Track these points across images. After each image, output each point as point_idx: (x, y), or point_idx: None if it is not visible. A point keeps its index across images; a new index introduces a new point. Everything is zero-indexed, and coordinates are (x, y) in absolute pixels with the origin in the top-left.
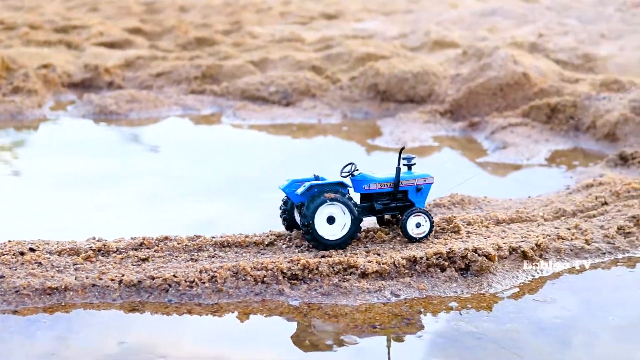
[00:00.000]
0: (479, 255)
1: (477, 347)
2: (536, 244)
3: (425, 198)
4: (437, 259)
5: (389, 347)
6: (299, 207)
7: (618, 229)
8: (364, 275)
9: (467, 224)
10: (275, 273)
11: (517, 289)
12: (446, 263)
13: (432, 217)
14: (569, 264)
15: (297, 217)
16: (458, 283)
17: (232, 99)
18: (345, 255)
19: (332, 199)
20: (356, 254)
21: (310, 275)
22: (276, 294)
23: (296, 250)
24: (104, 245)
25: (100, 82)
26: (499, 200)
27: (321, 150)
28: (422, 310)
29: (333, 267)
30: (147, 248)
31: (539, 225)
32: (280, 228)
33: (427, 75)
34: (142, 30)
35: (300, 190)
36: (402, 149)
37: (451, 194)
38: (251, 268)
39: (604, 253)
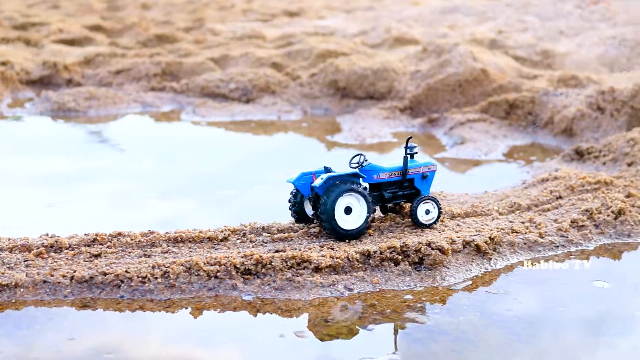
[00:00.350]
0: (432, 249)
1: (429, 339)
2: (490, 238)
3: (430, 185)
4: (390, 253)
5: (341, 340)
6: (311, 199)
7: (571, 222)
8: (317, 269)
9: None
10: (229, 268)
11: (470, 282)
12: (400, 257)
13: (440, 204)
14: (523, 257)
15: (307, 210)
16: (412, 277)
17: (192, 96)
18: (299, 250)
19: (351, 190)
20: (310, 249)
21: (263, 270)
22: (229, 289)
23: (250, 245)
24: (56, 242)
25: (59, 79)
26: (455, 195)
27: (282, 146)
28: (376, 303)
29: (286, 262)
30: (100, 244)
31: (493, 219)
32: (236, 224)
33: (387, 71)
34: (103, 27)
35: (318, 182)
36: (409, 138)
37: None
38: (204, 263)
39: (558, 246)
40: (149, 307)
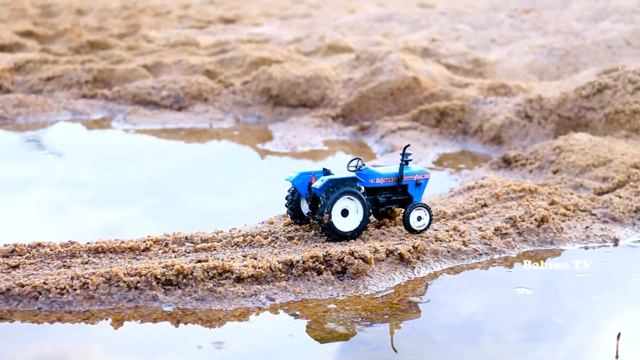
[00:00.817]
0: (355, 258)
1: (350, 348)
2: (413, 247)
3: (422, 192)
4: (313, 262)
5: (262, 350)
6: (309, 199)
7: (495, 230)
8: (239, 279)
9: None
10: (149, 279)
11: (393, 291)
12: (323, 266)
13: (431, 211)
14: (446, 265)
15: (303, 208)
16: (334, 286)
17: (124, 104)
18: (221, 260)
19: (349, 193)
20: (233, 259)
21: (184, 280)
22: (150, 300)
23: (172, 255)
24: None
25: None
26: None
27: (213, 154)
28: (298, 313)
29: (208, 272)
30: (19, 255)
31: None
32: (159, 233)
33: (320, 79)
34: (35, 33)
35: (318, 185)
36: (407, 146)
37: None
38: (124, 274)
39: (481, 254)
40: (68, 319)
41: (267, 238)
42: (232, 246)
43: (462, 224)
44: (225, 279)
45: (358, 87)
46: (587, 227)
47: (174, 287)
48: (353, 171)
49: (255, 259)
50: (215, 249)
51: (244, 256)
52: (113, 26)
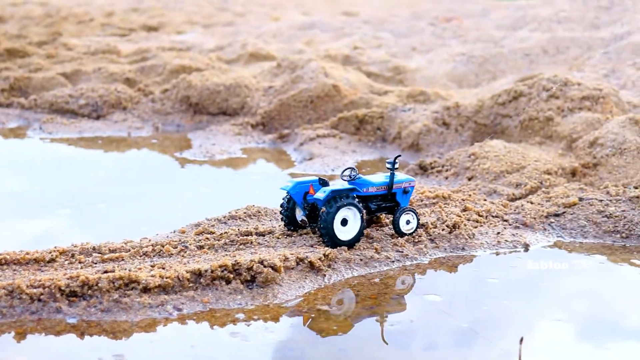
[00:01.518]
0: (265, 266)
1: (259, 358)
2: (324, 254)
3: (408, 198)
4: (222, 271)
5: None
6: (306, 208)
7: (407, 237)
8: (146, 290)
9: (260, 235)
10: (53, 290)
11: (302, 299)
12: (231, 275)
13: (418, 215)
14: (358, 272)
15: (298, 215)
16: (243, 295)
17: (40, 112)
18: (128, 270)
19: (350, 204)
20: (140, 269)
21: (89, 291)
22: (53, 312)
23: (79, 266)
24: None
25: None
26: None
27: (130, 163)
28: (205, 323)
29: (114, 283)
30: None
31: None
32: (67, 244)
33: (240, 87)
34: None
35: (320, 196)
36: (398, 156)
37: (247, 206)
38: (27, 286)
39: (393, 261)
40: None
41: (176, 247)
42: (140, 256)
43: (374, 231)
44: (132, 290)
45: (278, 95)
46: (498, 233)
47: (78, 299)
48: (347, 180)
49: (164, 268)
50: (123, 259)
51: (152, 266)
52: (33, 34)
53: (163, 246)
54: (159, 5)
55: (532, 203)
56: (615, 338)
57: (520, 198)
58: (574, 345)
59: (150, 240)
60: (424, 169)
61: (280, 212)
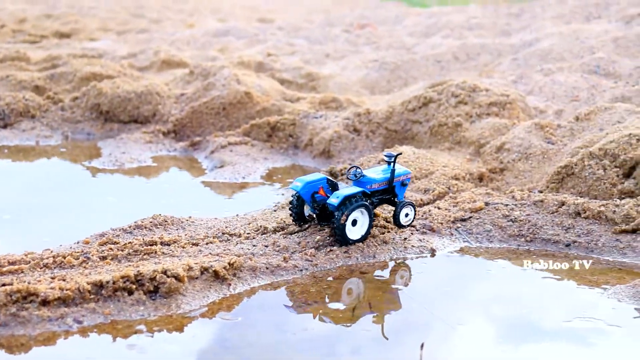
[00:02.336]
0: (168, 276)
1: None
2: (229, 263)
3: (405, 190)
4: (124, 282)
5: None
6: (317, 207)
7: (316, 245)
8: (45, 302)
9: (165, 245)
10: None
11: (207, 309)
12: (134, 286)
13: (415, 207)
14: (264, 281)
15: (306, 211)
16: (146, 306)
17: None
18: (27, 283)
19: (361, 206)
20: (40, 281)
21: None
22: None
23: None
24: None
25: None
26: (204, 220)
27: (37, 173)
28: (106, 335)
29: (11, 296)
30: None
31: (237, 244)
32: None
33: (151, 95)
34: None
35: (334, 201)
36: (399, 154)
37: (153, 215)
38: None
39: (302, 270)
40: None
41: (78, 259)
42: (41, 268)
43: (282, 239)
44: (30, 303)
45: (190, 102)
46: (405, 239)
47: None
48: (353, 180)
49: (64, 280)
50: (22, 272)
51: (52, 278)
52: None
53: (65, 257)
54: (73, 11)
55: (439, 208)
56: (518, 341)
57: (428, 204)
58: (477, 350)
59: (52, 252)
60: (334, 176)
61: (290, 209)
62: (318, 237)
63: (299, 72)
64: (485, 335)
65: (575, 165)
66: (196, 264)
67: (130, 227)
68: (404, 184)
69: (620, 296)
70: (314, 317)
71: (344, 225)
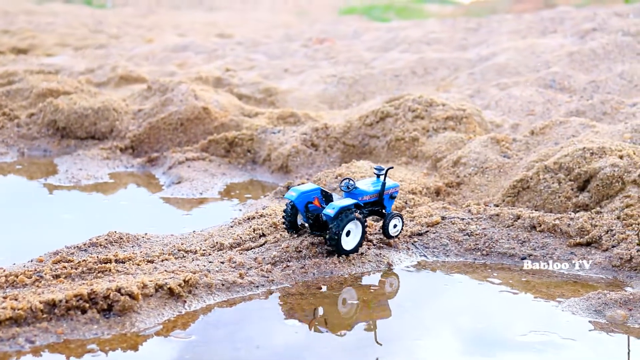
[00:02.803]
0: (122, 294)
1: None
2: (184, 280)
3: (393, 202)
4: (77, 301)
5: None
6: (310, 217)
7: (273, 261)
8: None
9: (120, 263)
10: None
11: (161, 327)
12: (87, 305)
13: (403, 217)
14: (220, 298)
15: (299, 220)
16: (99, 324)
17: None
18: None
19: (355, 219)
20: None
21: None
22: None
23: None
24: None
25: None
26: (160, 236)
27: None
28: (61, 355)
29: None
30: None
31: (192, 260)
32: None
33: (109, 111)
34: None
35: (330, 212)
36: (390, 168)
37: (109, 232)
38: None
39: (257, 286)
40: None
41: (31, 277)
42: None
43: (238, 255)
44: None
45: (148, 118)
46: (362, 254)
47: None
48: (345, 191)
49: (16, 299)
50: None
51: (4, 297)
52: None
53: (17, 276)
54: (30, 27)
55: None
56: (475, 355)
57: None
58: None
59: (4, 271)
60: None
61: (283, 217)
62: (274, 253)
63: (257, 87)
64: (442, 350)
65: (531, 179)
66: (151, 281)
67: (84, 244)
68: (392, 197)
69: (575, 309)
70: (270, 334)
71: (339, 235)
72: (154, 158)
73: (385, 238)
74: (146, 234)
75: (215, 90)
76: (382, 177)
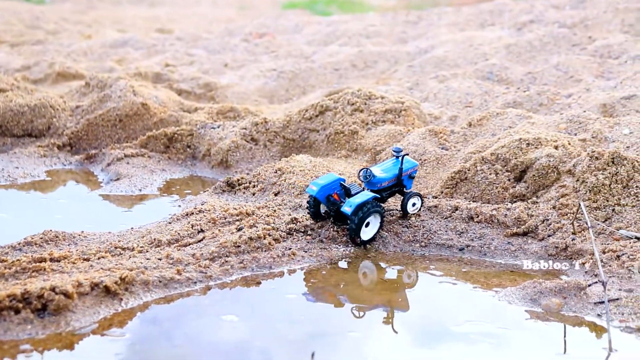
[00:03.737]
0: (56, 293)
1: None
2: (120, 278)
3: (412, 182)
4: (10, 301)
5: None
6: (331, 208)
7: (211, 256)
8: None
9: (55, 261)
10: None
11: (97, 325)
12: (21, 305)
13: (422, 196)
14: (157, 295)
15: (322, 210)
16: (33, 324)
17: None
18: None
19: (375, 212)
20: None
21: None
22: None
23: None
24: None
25: None
26: (97, 234)
27: None
28: None
29: None
30: None
31: (129, 257)
32: None
33: (46, 108)
34: None
35: (349, 210)
36: (406, 154)
37: (44, 231)
38: None
39: (195, 282)
40: None
41: None
42: None
43: (175, 252)
44: None
45: (86, 114)
46: (302, 248)
47: None
48: (364, 182)
49: None
50: None
51: None
52: None
53: None
54: None
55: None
56: (411, 346)
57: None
58: (368, 357)
59: None
60: (231, 186)
61: (307, 208)
62: (212, 249)
63: (197, 82)
64: (379, 342)
65: (468, 170)
66: (86, 279)
67: (19, 244)
68: (411, 177)
69: (511, 298)
70: (208, 330)
71: (358, 228)
72: (92, 155)
73: (402, 214)
74: (83, 231)
75: (155, 86)
76: (401, 162)
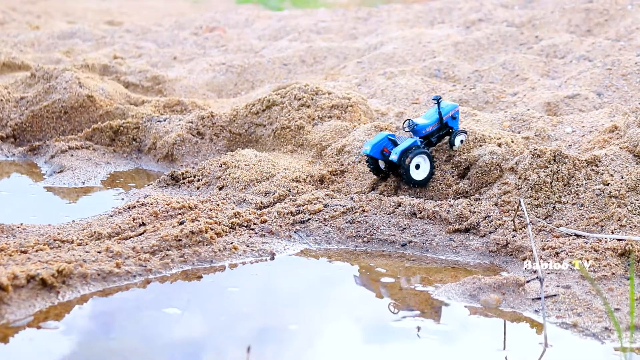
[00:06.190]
0: None
1: None
2: (57, 271)
3: (458, 121)
4: None
5: None
6: (386, 161)
7: (151, 250)
8: None
9: None
10: None
11: (33, 318)
12: None
13: (466, 131)
14: (96, 288)
15: (381, 165)
16: None
17: None
18: None
19: (419, 153)
20: None
21: None
22: None
23: None
24: None
25: None
26: (36, 226)
27: None
28: None
29: None
30: None
31: (68, 250)
32: None
33: None
34: None
35: (395, 158)
36: (440, 98)
37: None
38: None
39: (135, 276)
40: None
41: None
42: None
43: (115, 245)
44: None
45: (31, 106)
46: (243, 242)
47: None
48: (409, 131)
49: None
50: None
51: None
52: None
53: None
54: None
55: (279, 211)
56: (347, 343)
57: (268, 206)
58: (307, 353)
59: None
60: (176, 180)
61: (368, 165)
62: (153, 242)
63: (145, 75)
64: (316, 338)
65: None
66: (22, 272)
67: None
68: (454, 117)
69: (450, 294)
70: (145, 323)
71: (408, 171)
72: (36, 147)
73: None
74: (22, 224)
75: (102, 78)
76: (438, 106)
